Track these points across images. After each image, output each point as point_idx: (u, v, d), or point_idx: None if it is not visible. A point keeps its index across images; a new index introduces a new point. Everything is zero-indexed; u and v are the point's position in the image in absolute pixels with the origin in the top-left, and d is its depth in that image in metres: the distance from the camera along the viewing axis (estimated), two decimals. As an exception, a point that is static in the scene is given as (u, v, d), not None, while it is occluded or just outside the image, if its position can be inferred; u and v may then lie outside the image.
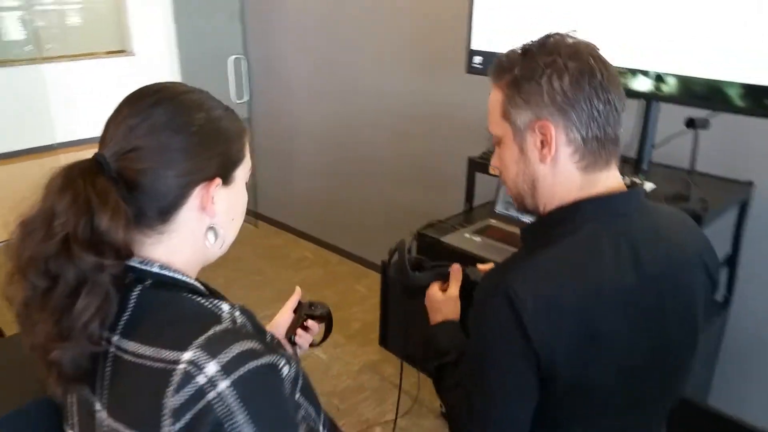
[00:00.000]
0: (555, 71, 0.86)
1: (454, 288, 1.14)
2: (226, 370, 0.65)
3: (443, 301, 1.13)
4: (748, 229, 1.96)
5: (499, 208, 1.99)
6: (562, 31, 0.91)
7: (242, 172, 0.83)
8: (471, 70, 2.22)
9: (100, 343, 0.71)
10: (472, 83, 2.47)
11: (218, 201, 0.79)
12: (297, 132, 3.78)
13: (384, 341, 2.55)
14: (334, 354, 2.79)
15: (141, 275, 0.75)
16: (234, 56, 3.84)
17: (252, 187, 4.13)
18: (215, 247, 0.83)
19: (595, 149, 0.87)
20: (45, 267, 0.69)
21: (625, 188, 0.91)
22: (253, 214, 4.17)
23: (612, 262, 0.85)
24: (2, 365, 1.16)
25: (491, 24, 2.13)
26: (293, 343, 1.15)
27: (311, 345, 1.20)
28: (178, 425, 0.65)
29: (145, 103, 0.75)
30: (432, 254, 1.97)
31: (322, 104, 3.54)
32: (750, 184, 1.92)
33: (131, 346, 0.72)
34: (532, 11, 2.00)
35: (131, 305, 0.73)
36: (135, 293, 0.74)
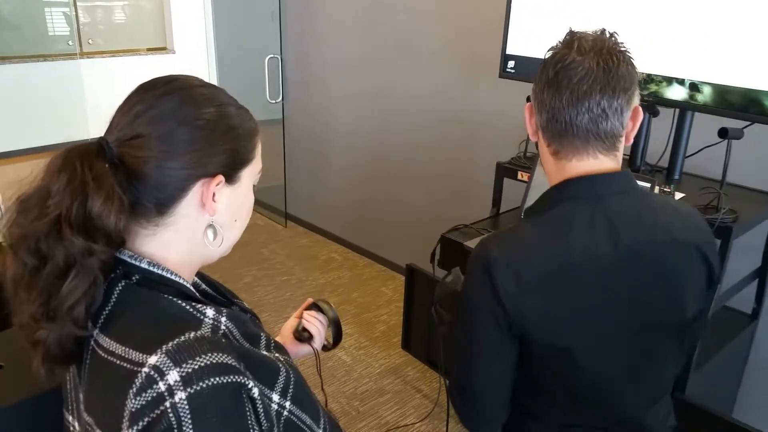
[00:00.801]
0: (543, 63, 0.95)
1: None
2: (186, 381, 0.63)
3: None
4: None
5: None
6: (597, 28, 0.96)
7: (250, 173, 0.81)
8: (504, 74, 2.21)
9: (85, 327, 0.70)
10: (505, 88, 2.48)
11: (220, 199, 0.76)
12: (329, 133, 3.81)
13: (407, 345, 2.56)
14: (357, 356, 2.80)
15: (129, 270, 0.74)
16: (270, 56, 3.89)
17: (282, 187, 4.19)
18: (214, 246, 0.80)
19: (556, 138, 0.94)
20: (35, 246, 0.68)
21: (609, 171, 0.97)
22: (282, 214, 4.21)
23: (584, 234, 0.91)
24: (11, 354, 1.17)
25: (527, 29, 2.12)
26: (302, 339, 1.15)
27: (325, 348, 1.20)
28: (133, 430, 0.63)
29: (155, 93, 0.75)
30: (455, 258, 1.98)
31: (355, 106, 3.57)
32: (783, 196, 1.88)
33: (105, 342, 0.71)
34: (568, 18, 1.99)
35: (113, 300, 0.72)
36: (119, 288, 0.73)
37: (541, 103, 0.94)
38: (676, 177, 1.93)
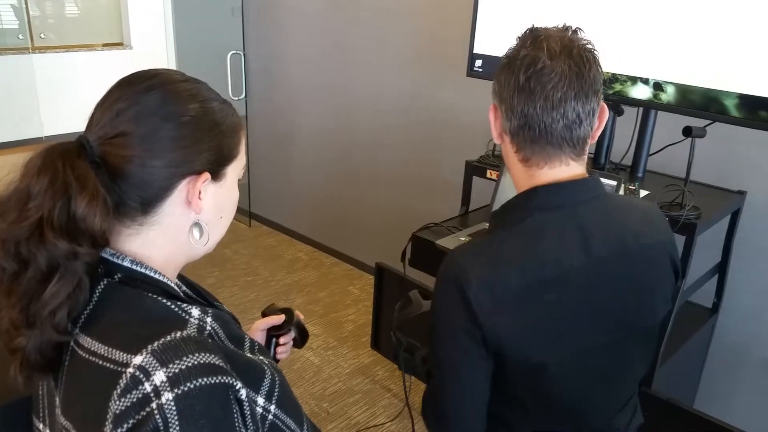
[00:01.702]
0: (506, 63, 0.92)
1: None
2: (173, 381, 0.61)
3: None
4: (738, 237, 1.97)
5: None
6: (562, 24, 0.94)
7: (234, 169, 0.80)
8: (472, 73, 2.22)
9: (66, 332, 0.68)
10: (472, 87, 2.48)
11: (206, 197, 0.75)
12: (293, 131, 3.77)
13: (376, 344, 2.55)
14: (325, 357, 2.78)
15: (111, 268, 0.72)
16: (232, 51, 3.82)
17: (246, 186, 4.12)
18: (200, 244, 0.79)
19: (528, 145, 0.92)
20: (15, 250, 0.65)
21: (579, 178, 0.95)
22: (246, 213, 4.15)
23: (555, 246, 0.90)
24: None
25: (495, 28, 2.13)
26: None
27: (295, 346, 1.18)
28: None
29: (136, 88, 0.72)
30: (426, 257, 1.98)
31: (320, 104, 3.53)
32: (742, 193, 1.94)
33: (87, 342, 0.69)
34: (535, 16, 2.01)
35: (95, 299, 0.70)
36: (101, 287, 0.71)
37: (511, 109, 0.90)
38: (640, 175, 1.97)
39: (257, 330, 1.10)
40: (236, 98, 3.87)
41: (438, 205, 2.94)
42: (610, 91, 1.86)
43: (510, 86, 0.89)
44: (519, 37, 0.93)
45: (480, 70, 2.21)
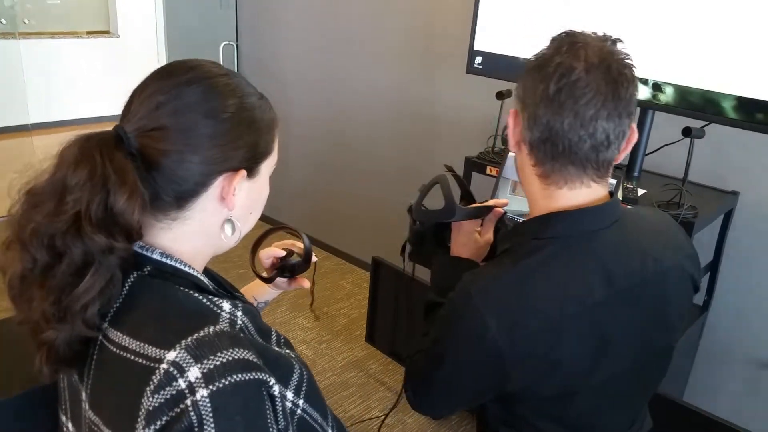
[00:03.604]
0: (537, 67, 0.84)
1: (490, 233, 1.11)
2: (208, 378, 0.60)
3: (478, 240, 1.10)
4: (730, 236, 2.02)
5: (494, 209, 2.01)
6: (600, 32, 0.87)
7: (268, 166, 0.80)
8: (471, 70, 2.24)
9: (96, 327, 0.67)
10: (471, 83, 2.50)
11: (239, 193, 0.75)
12: (286, 123, 3.71)
13: (371, 338, 2.56)
14: (319, 350, 2.79)
15: (140, 261, 0.71)
16: (225, 42, 3.79)
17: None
18: (231, 240, 0.79)
19: (549, 161, 0.85)
20: (50, 242, 0.65)
21: (601, 202, 0.89)
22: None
23: (578, 283, 0.85)
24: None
25: (495, 25, 2.15)
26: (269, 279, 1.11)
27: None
28: (150, 429, 0.61)
29: (175, 81, 0.71)
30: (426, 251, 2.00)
31: (313, 96, 3.52)
32: (735, 194, 1.99)
33: (117, 336, 0.68)
34: (536, 15, 2.03)
35: (124, 292, 0.69)
36: (130, 280, 0.70)
37: (535, 120, 0.83)
38: (636, 174, 2.01)
39: (268, 256, 1.13)
40: (228, 90, 3.84)
41: (435, 201, 2.96)
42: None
43: (537, 94, 0.82)
44: (553, 39, 0.86)
45: (480, 67, 2.23)
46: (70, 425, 0.78)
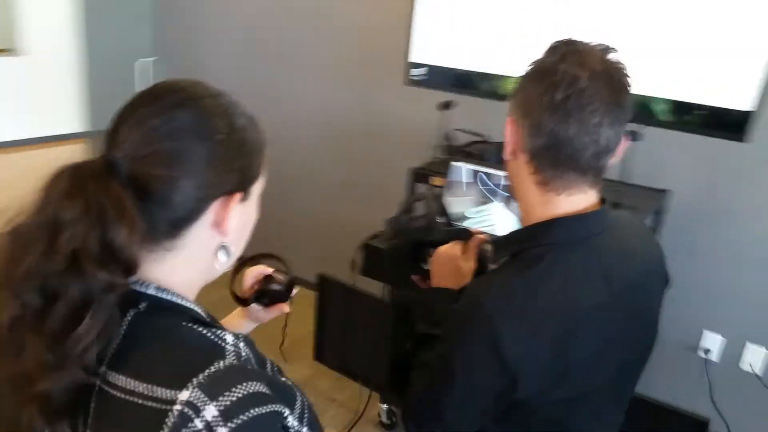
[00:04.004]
0: (539, 75, 0.85)
1: (472, 260, 1.08)
2: (226, 415, 0.58)
3: (461, 268, 1.06)
4: (663, 233, 2.14)
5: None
6: (593, 40, 0.88)
7: (258, 188, 0.77)
8: (410, 82, 2.26)
9: (95, 372, 0.63)
10: (410, 95, 2.53)
11: (232, 218, 0.71)
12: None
13: (320, 355, 2.51)
14: (264, 371, 2.70)
15: (135, 297, 0.67)
16: (149, 59, 3.64)
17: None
18: (224, 267, 0.76)
19: (550, 168, 0.86)
20: (43, 284, 0.60)
21: (596, 207, 0.91)
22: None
23: (586, 285, 0.87)
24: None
25: (431, 37, 2.18)
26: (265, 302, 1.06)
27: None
28: None
29: (166, 103, 0.67)
30: (379, 265, 1.98)
31: (243, 113, 3.44)
32: (667, 192, 2.10)
33: (120, 380, 0.63)
34: (470, 27, 2.08)
35: (122, 332, 0.65)
36: (127, 318, 0.66)
37: (538, 127, 0.84)
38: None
39: (252, 276, 1.07)
40: (151, 108, 3.69)
41: (373, 214, 2.95)
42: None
43: (542, 103, 0.83)
44: (552, 49, 0.87)
45: (418, 78, 2.26)
46: None
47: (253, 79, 3.33)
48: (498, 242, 0.98)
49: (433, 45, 2.18)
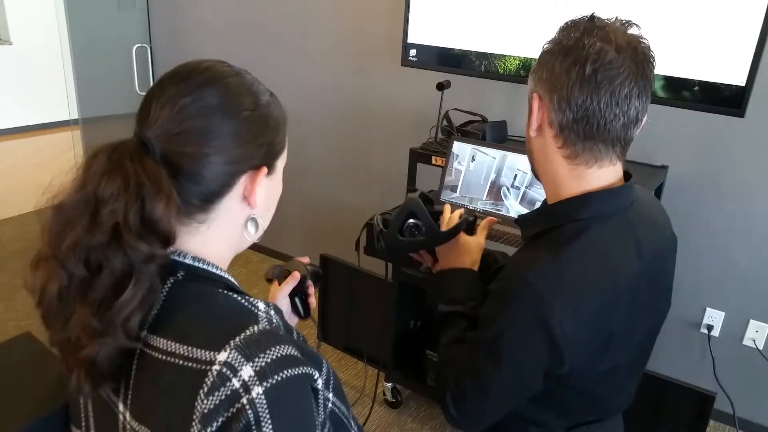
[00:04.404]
0: (564, 51, 0.86)
1: (482, 238, 1.12)
2: (261, 375, 0.62)
3: (474, 247, 1.10)
4: (661, 208, 2.17)
5: (443, 197, 2.05)
6: (612, 16, 0.90)
7: (282, 162, 0.82)
8: (406, 63, 2.26)
9: (138, 338, 0.67)
10: (407, 76, 2.53)
11: (260, 191, 0.76)
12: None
13: (324, 335, 2.55)
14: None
15: (173, 267, 0.71)
16: (138, 45, 3.61)
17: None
18: (254, 238, 0.80)
19: (579, 141, 0.88)
20: (87, 256, 0.64)
21: (622, 181, 0.93)
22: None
23: (622, 258, 0.89)
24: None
25: (428, 17, 2.18)
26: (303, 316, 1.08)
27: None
28: (207, 431, 0.61)
29: (194, 83, 0.71)
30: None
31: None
32: (665, 168, 2.13)
33: (161, 342, 0.67)
34: (467, 6, 2.08)
35: (162, 298, 0.69)
36: (167, 286, 0.70)
37: (567, 101, 0.86)
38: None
39: (281, 297, 1.08)
40: (143, 93, 3.66)
41: (372, 196, 2.97)
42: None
43: (571, 76, 0.84)
44: (572, 25, 0.88)
45: (415, 59, 2.26)
46: None
47: (246, 61, 3.29)
48: (528, 219, 0.99)
49: (429, 25, 2.18)
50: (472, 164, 1.95)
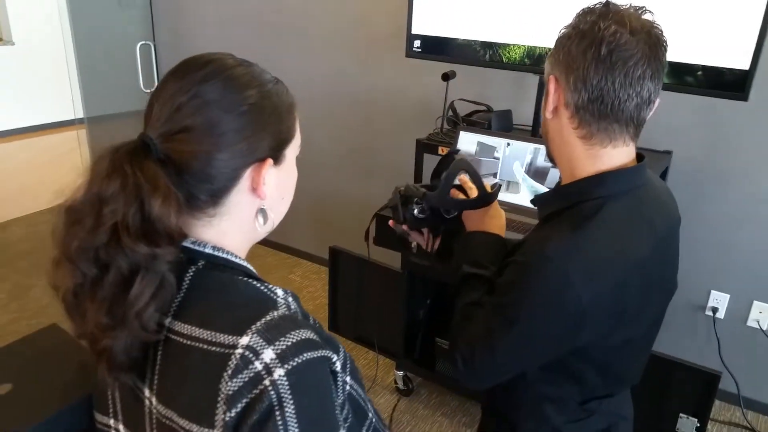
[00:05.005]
0: (580, 34, 0.89)
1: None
2: (282, 358, 0.64)
3: (503, 214, 1.14)
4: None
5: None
6: (626, 3, 0.92)
7: (293, 149, 0.81)
8: (411, 54, 2.28)
9: (155, 331, 0.68)
10: (412, 67, 2.55)
11: (269, 182, 0.76)
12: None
13: (335, 326, 2.57)
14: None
15: (193, 256, 0.73)
16: (141, 42, 3.63)
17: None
18: (264, 229, 0.80)
19: (594, 120, 0.90)
20: (95, 255, 0.66)
21: (635, 162, 0.96)
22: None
23: (636, 235, 0.92)
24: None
25: (432, 8, 2.20)
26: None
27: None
28: (232, 412, 0.63)
29: (193, 79, 0.71)
30: (388, 234, 2.02)
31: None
32: (669, 153, 2.15)
33: (185, 328, 0.69)
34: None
35: (185, 286, 0.71)
36: (189, 274, 0.72)
37: (583, 81, 0.89)
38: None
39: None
40: (148, 90, 3.68)
41: (378, 187, 2.99)
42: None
43: (587, 57, 0.87)
44: (590, 11, 0.91)
45: (419, 50, 2.28)
46: (121, 428, 0.79)
47: (250, 55, 3.31)
48: (545, 198, 1.01)
49: (434, 15, 2.20)
50: (508, 149, 1.97)
